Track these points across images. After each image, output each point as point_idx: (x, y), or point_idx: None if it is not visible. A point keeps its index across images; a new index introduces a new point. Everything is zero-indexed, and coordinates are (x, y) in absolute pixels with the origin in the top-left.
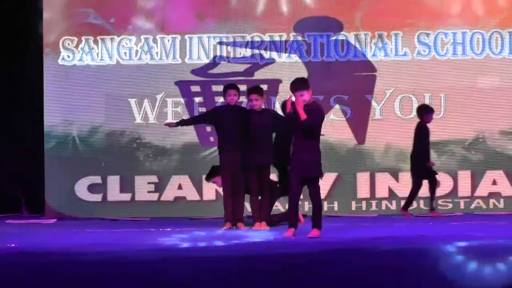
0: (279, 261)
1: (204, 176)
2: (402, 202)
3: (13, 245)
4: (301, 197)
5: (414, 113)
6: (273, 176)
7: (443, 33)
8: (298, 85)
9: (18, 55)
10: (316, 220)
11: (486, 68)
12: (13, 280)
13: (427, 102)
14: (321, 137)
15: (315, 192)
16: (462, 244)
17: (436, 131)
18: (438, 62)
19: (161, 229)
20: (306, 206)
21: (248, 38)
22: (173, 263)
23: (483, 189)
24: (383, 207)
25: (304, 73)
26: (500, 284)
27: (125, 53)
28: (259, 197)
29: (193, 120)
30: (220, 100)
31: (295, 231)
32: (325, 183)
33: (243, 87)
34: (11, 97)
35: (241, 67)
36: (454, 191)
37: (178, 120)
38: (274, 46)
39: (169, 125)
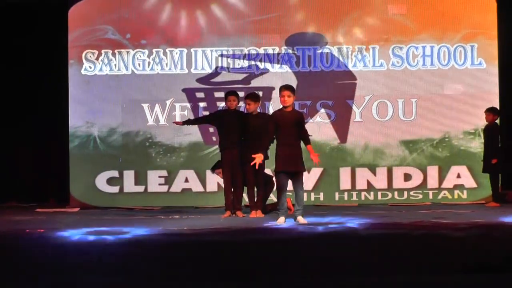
0: (273, 243)
1: (208, 170)
2: (379, 193)
3: (41, 230)
4: (290, 187)
5: (389, 115)
6: (267, 171)
7: (414, 47)
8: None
9: (47, 66)
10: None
11: (451, 77)
12: (41, 259)
13: (400, 108)
14: (311, 136)
15: (300, 185)
16: (429, 229)
17: (408, 132)
18: (410, 72)
19: (170, 217)
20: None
21: (246, 51)
22: (180, 245)
23: (449, 181)
24: (363, 198)
25: (294, 82)
26: (461, 265)
27: (139, 64)
28: (255, 189)
29: (198, 120)
30: (221, 104)
31: (285, 219)
32: (312, 176)
33: (241, 94)
34: (40, 102)
35: (239, 76)
36: (423, 184)
37: (184, 120)
38: (268, 58)
39: (177, 123)
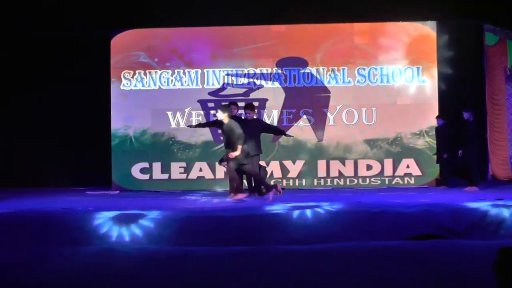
0: (267, 217)
1: (216, 162)
2: (348, 180)
3: (90, 208)
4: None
5: (355, 120)
6: (261, 163)
7: (374, 68)
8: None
9: (94, 83)
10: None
11: (402, 91)
12: (90, 228)
13: (363, 115)
14: (291, 138)
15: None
16: (385, 207)
17: (370, 133)
18: (371, 87)
19: (188, 197)
20: (284, 182)
21: (246, 71)
22: (196, 219)
23: (401, 171)
24: (335, 183)
25: (282, 95)
26: (411, 234)
27: (164, 81)
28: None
29: (207, 124)
30: None
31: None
32: (297, 167)
33: (242, 104)
34: (90, 111)
35: (241, 90)
36: (381, 172)
37: (196, 124)
38: (263, 76)
39: (190, 126)
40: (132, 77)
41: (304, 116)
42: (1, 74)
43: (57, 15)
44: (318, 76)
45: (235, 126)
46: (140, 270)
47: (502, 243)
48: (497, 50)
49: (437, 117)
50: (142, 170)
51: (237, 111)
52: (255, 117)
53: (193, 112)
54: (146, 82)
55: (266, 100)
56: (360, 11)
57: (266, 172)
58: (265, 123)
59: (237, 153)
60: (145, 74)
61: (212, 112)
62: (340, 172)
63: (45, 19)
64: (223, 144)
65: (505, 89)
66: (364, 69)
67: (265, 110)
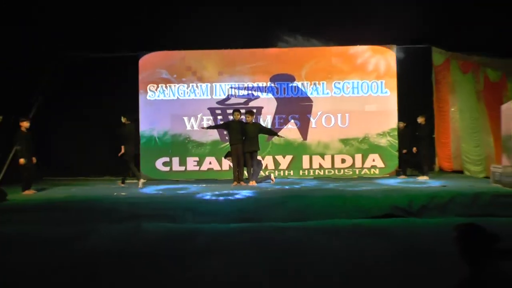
0: (264, 200)
1: (222, 157)
2: (326, 171)
3: (123, 193)
4: (272, 167)
5: (332, 123)
6: (259, 157)
7: (347, 82)
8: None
9: (126, 95)
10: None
11: (369, 101)
12: (123, 211)
13: (339, 119)
14: (282, 138)
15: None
16: (356, 193)
17: (344, 133)
18: (345, 97)
19: (200, 185)
20: (276, 173)
21: (246, 84)
22: (206, 203)
23: (368, 163)
24: (316, 173)
25: (274, 104)
26: (376, 214)
27: (181, 93)
28: (252, 168)
29: (215, 126)
30: (230, 117)
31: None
32: (286, 160)
33: (243, 111)
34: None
35: (242, 100)
36: (352, 165)
37: (207, 126)
38: (259, 89)
39: (202, 128)
40: (156, 89)
41: (292, 120)
42: (58, 86)
43: (98, 40)
44: (303, 89)
45: (128, 131)
46: (162, 241)
47: (448, 221)
48: (443, 68)
49: (400, 121)
50: (164, 163)
51: (240, 116)
52: (253, 121)
53: (204, 117)
54: (167, 93)
55: (262, 107)
56: (337, 37)
57: (261, 164)
58: (262, 126)
59: (122, 151)
60: (166, 87)
61: (219, 117)
62: (320, 165)
63: (91, 44)
64: (228, 142)
65: (449, 99)
66: (339, 83)
67: (261, 116)
